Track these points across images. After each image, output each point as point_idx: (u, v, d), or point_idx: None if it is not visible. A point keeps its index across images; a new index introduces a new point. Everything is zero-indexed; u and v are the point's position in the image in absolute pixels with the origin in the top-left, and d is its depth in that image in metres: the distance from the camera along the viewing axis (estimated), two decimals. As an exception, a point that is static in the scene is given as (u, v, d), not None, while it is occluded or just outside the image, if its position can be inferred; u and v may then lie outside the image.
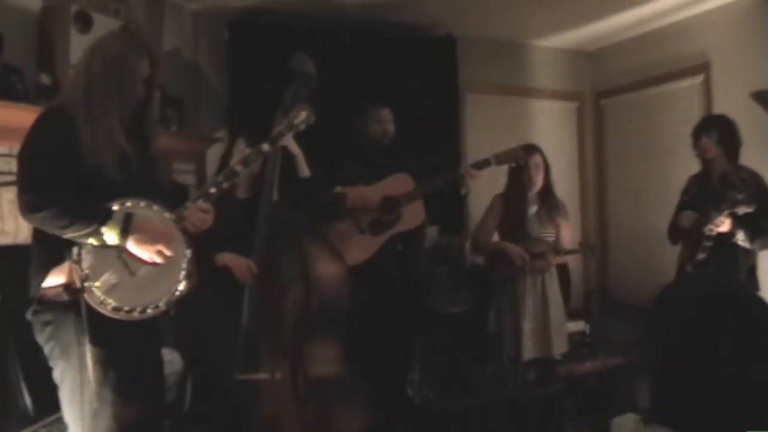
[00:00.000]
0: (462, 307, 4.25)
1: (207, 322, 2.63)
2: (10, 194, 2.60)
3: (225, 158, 2.90)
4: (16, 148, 2.03)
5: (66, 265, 1.83)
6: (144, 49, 2.05)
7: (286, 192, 2.80)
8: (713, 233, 3.09)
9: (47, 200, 1.81)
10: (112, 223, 1.83)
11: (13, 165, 2.21)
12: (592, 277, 5.34)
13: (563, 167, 4.81)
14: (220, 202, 2.14)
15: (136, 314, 1.86)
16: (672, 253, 3.54)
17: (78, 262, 1.81)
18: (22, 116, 2.41)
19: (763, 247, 3.21)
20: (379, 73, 4.27)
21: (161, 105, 3.53)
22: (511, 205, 3.54)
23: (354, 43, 4.33)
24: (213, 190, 2.10)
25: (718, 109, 4.10)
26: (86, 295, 1.80)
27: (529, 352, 3.41)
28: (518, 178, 3.52)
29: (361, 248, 3.26)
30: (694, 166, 3.52)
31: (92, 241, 1.82)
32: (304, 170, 2.91)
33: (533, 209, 3.53)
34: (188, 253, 1.99)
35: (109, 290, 1.83)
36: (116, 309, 1.83)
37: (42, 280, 1.87)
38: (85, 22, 3.00)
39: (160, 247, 1.90)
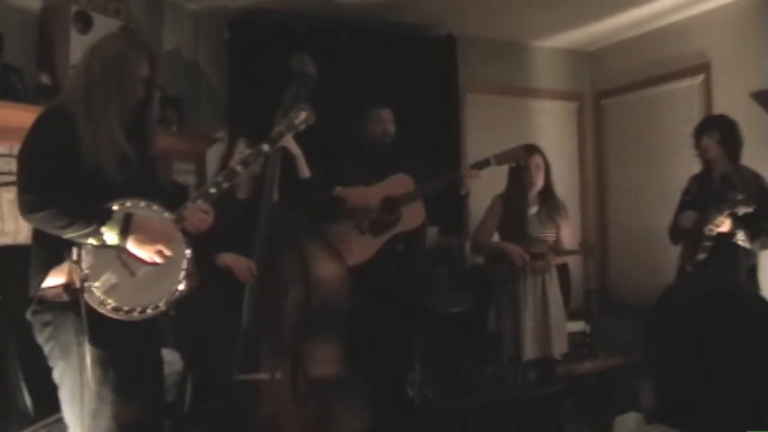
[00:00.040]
0: (462, 307, 4.25)
1: (207, 322, 2.63)
2: (10, 194, 2.60)
3: (226, 159, 2.90)
4: (16, 148, 2.03)
5: (66, 266, 1.83)
6: (144, 50, 2.06)
7: (287, 192, 2.80)
8: (713, 233, 3.09)
9: (47, 200, 1.81)
10: (112, 223, 1.83)
11: (13, 165, 2.21)
12: (592, 277, 5.33)
13: (563, 167, 4.80)
14: (220, 203, 2.14)
15: (135, 314, 1.86)
16: (672, 253, 3.54)
17: (78, 262, 1.81)
18: (22, 116, 2.41)
19: (764, 247, 3.21)
20: (379, 73, 4.27)
21: (161, 105, 3.53)
22: (512, 205, 3.54)
23: (354, 43, 4.33)
24: (213, 191, 2.10)
25: (718, 109, 4.10)
26: (86, 296, 1.80)
27: (529, 352, 3.41)
28: (518, 178, 3.52)
29: (361, 249, 3.26)
30: (695, 166, 3.52)
31: (92, 241, 1.82)
32: (305, 171, 2.91)
33: (533, 209, 3.53)
34: (188, 253, 1.99)
35: (109, 290, 1.83)
36: (116, 309, 1.83)
37: (42, 280, 1.87)
38: (85, 22, 3.00)
39: (159, 247, 1.90)
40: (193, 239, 2.03)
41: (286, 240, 2.68)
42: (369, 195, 3.31)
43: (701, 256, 3.13)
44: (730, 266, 3.14)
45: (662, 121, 4.71)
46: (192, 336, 2.73)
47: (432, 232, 4.39)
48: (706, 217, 3.13)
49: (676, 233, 3.43)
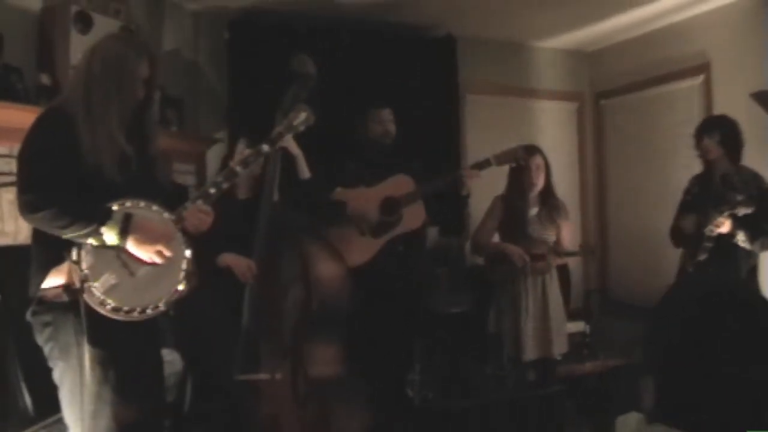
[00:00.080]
0: (462, 307, 4.25)
1: (207, 323, 2.63)
2: (10, 195, 2.60)
3: (226, 159, 2.90)
4: (16, 148, 2.03)
5: (65, 266, 1.83)
6: (144, 51, 2.06)
7: (287, 193, 2.80)
8: (714, 234, 3.09)
9: (46, 200, 1.81)
10: (112, 223, 1.83)
11: (13, 165, 2.21)
12: (592, 278, 5.34)
13: (563, 167, 4.81)
14: (220, 203, 2.14)
15: (135, 315, 1.86)
16: (672, 254, 3.54)
17: (77, 262, 1.81)
18: (22, 116, 2.41)
19: (764, 248, 3.21)
20: (379, 74, 4.28)
21: (161, 105, 3.53)
22: (512, 206, 3.54)
23: (354, 43, 4.33)
24: (212, 191, 2.10)
25: (718, 109, 4.10)
26: (86, 296, 1.80)
27: (529, 352, 3.40)
28: (519, 179, 3.52)
29: (361, 250, 3.26)
30: (695, 167, 3.52)
31: (92, 241, 1.82)
32: (305, 171, 2.91)
33: (534, 210, 3.52)
34: (188, 253, 1.99)
35: (109, 290, 1.83)
36: (116, 309, 1.83)
37: (41, 280, 1.87)
38: (85, 22, 3.00)
39: (159, 247, 1.90)
40: (193, 239, 2.03)
41: (286, 240, 2.68)
42: (369, 196, 3.31)
43: (702, 257, 3.13)
44: (731, 267, 3.14)
45: (662, 121, 4.71)
46: (192, 336, 2.73)
47: (432, 232, 4.40)
48: (706, 217, 3.13)
49: (678, 236, 3.43)
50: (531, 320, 3.41)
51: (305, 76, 2.73)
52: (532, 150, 3.51)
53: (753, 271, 3.27)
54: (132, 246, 1.87)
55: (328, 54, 3.71)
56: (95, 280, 1.82)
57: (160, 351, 2.19)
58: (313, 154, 2.93)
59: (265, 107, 2.84)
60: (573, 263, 4.24)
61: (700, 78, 4.41)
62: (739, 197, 3.03)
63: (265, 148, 2.34)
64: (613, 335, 4.67)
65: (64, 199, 1.82)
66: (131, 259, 1.89)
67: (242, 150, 2.74)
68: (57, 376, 1.93)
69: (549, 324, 3.44)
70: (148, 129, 2.12)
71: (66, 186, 1.84)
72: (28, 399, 2.51)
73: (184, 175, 3.92)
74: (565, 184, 4.66)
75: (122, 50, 2.01)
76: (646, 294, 4.17)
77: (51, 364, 1.94)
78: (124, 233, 1.84)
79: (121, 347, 1.89)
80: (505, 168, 3.51)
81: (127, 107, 2.00)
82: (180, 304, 1.97)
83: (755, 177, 3.23)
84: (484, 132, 4.88)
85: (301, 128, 2.49)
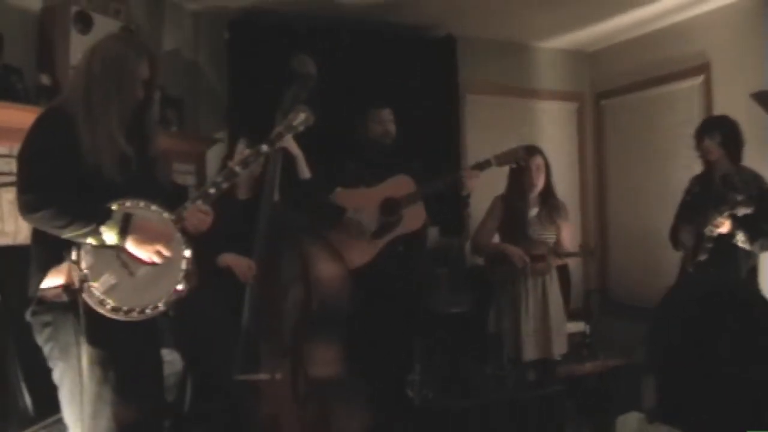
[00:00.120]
0: (462, 307, 4.25)
1: (207, 323, 2.63)
2: (10, 195, 2.59)
3: (226, 159, 2.90)
4: (16, 148, 2.03)
5: (65, 266, 1.83)
6: (144, 51, 2.06)
7: (287, 193, 2.80)
8: (713, 234, 3.09)
9: (46, 200, 1.81)
10: (111, 222, 1.83)
11: (13, 165, 2.21)
12: (592, 278, 5.33)
13: (563, 167, 4.81)
14: (220, 203, 2.14)
15: (135, 314, 1.86)
16: (672, 254, 3.54)
17: (77, 262, 1.81)
18: (22, 116, 2.41)
19: (763, 248, 3.21)
20: (379, 74, 4.27)
21: (161, 105, 3.53)
22: (512, 206, 3.54)
23: (354, 43, 4.33)
24: (212, 191, 2.10)
25: (718, 110, 4.10)
26: (85, 295, 1.80)
27: (529, 352, 3.41)
28: (519, 179, 3.52)
29: (362, 251, 3.26)
30: (695, 167, 3.52)
31: (91, 240, 1.82)
32: (305, 172, 2.90)
33: (534, 211, 3.52)
34: (187, 253, 1.99)
35: (108, 290, 1.83)
36: (115, 309, 1.83)
37: (41, 280, 1.87)
38: (85, 22, 3.00)
39: (158, 247, 1.90)
40: (193, 239, 2.03)
41: (286, 240, 2.68)
42: (369, 196, 3.31)
43: (702, 257, 3.13)
44: (731, 267, 3.14)
45: (662, 121, 4.70)
46: (192, 336, 2.73)
47: (432, 232, 4.39)
48: (706, 217, 3.13)
49: (677, 240, 3.43)
50: (531, 320, 3.41)
51: (305, 76, 2.73)
52: (532, 150, 3.51)
53: (753, 271, 3.27)
54: (131, 246, 1.87)
55: (328, 54, 3.71)
56: (95, 279, 1.82)
57: (159, 351, 2.19)
58: (313, 154, 2.92)
59: (265, 107, 2.84)
60: (573, 263, 4.24)
61: (700, 78, 4.41)
62: (739, 197, 3.03)
63: (265, 148, 2.34)
64: (613, 335, 4.67)
65: (64, 198, 1.82)
66: (131, 259, 1.89)
67: (242, 150, 2.74)
68: (57, 376, 1.93)
69: (549, 324, 3.44)
70: (148, 129, 2.12)
71: (66, 186, 1.85)
72: (28, 399, 2.51)
73: (184, 175, 3.91)
74: (565, 184, 4.66)
75: (122, 50, 2.01)
76: (646, 294, 4.17)
77: (51, 364, 1.94)
78: (123, 233, 1.84)
79: (121, 347, 1.89)
80: (505, 168, 3.51)
81: (127, 107, 2.00)
82: (180, 304, 1.97)
83: (756, 177, 3.23)
84: (484, 132, 4.88)
85: (301, 128, 2.49)
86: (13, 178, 2.11)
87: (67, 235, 1.81)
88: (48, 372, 1.94)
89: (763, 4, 3.95)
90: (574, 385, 3.90)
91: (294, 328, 2.61)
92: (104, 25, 3.02)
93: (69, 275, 1.82)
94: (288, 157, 2.81)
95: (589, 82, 5.48)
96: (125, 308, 1.84)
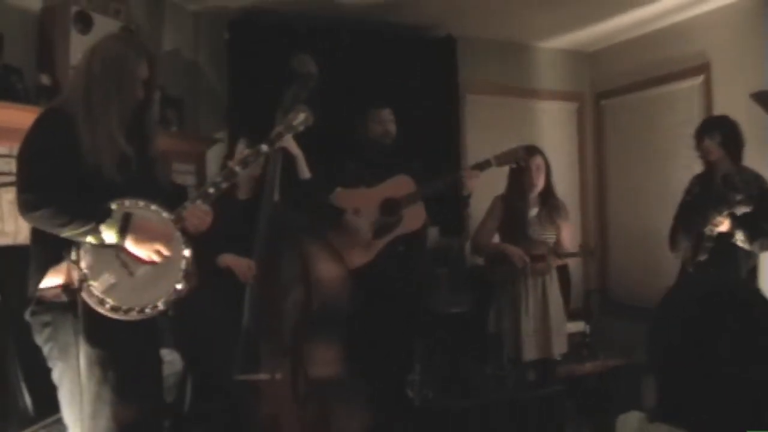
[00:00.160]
0: (462, 307, 4.25)
1: (207, 323, 2.63)
2: (10, 195, 2.59)
3: (226, 159, 2.90)
4: (16, 148, 2.03)
5: (64, 266, 1.83)
6: (143, 51, 2.06)
7: (287, 193, 2.80)
8: (713, 233, 3.09)
9: (45, 199, 1.81)
10: (111, 222, 1.83)
11: (13, 165, 2.21)
12: (592, 278, 5.33)
13: (563, 167, 4.81)
14: (220, 203, 2.14)
15: (134, 314, 1.86)
16: (671, 254, 3.54)
17: (76, 261, 1.81)
18: (22, 116, 2.41)
19: (763, 248, 3.21)
20: (379, 74, 4.27)
21: (161, 105, 3.53)
22: (512, 206, 3.54)
23: (354, 43, 4.33)
24: (211, 191, 2.10)
25: (718, 110, 4.10)
26: (84, 295, 1.80)
27: (529, 352, 3.41)
28: (519, 179, 3.52)
29: (362, 251, 3.26)
30: (695, 167, 3.52)
31: (90, 239, 1.82)
32: (305, 172, 2.90)
33: (534, 211, 3.52)
34: (187, 253, 1.99)
35: (108, 290, 1.83)
36: (114, 309, 1.83)
37: (40, 279, 1.87)
38: (85, 22, 3.00)
39: (158, 246, 1.90)
40: (193, 239, 2.03)
41: (286, 240, 2.68)
42: (369, 196, 3.31)
43: (702, 257, 3.13)
44: (731, 267, 3.14)
45: (662, 121, 4.71)
46: (192, 336, 2.73)
47: (432, 232, 4.39)
48: (706, 217, 3.13)
49: (676, 244, 3.42)
50: (531, 320, 3.41)
51: (305, 76, 2.73)
52: (532, 150, 3.51)
53: (753, 271, 3.27)
54: (131, 245, 1.87)
55: (328, 54, 3.70)
56: (94, 279, 1.82)
57: (159, 351, 2.19)
58: (313, 154, 2.92)
59: (265, 107, 2.84)
60: (573, 263, 4.24)
61: (700, 78, 4.41)
62: (738, 196, 3.03)
63: (264, 148, 2.34)
64: (613, 335, 4.67)
65: (64, 197, 1.82)
66: (130, 259, 1.89)
67: (242, 150, 2.74)
68: (56, 376, 1.93)
69: (549, 324, 3.44)
70: (147, 129, 2.12)
71: (65, 185, 1.85)
72: (28, 399, 2.51)
73: (184, 175, 3.91)
74: (565, 184, 4.66)
75: (122, 50, 2.01)
76: (646, 294, 4.17)
77: (50, 364, 1.94)
78: (123, 232, 1.84)
79: (121, 347, 1.89)
80: (505, 168, 3.51)
81: (127, 107, 2.00)
82: (180, 304, 1.97)
83: (757, 178, 3.22)
84: (484, 132, 4.88)
85: (301, 128, 2.49)
86: (13, 178, 2.11)
87: (67, 234, 1.81)
88: (48, 372, 1.94)
89: (763, 4, 3.95)
90: (574, 385, 3.90)
91: (294, 328, 2.61)
92: (104, 25, 3.02)
93: (68, 275, 1.82)
94: (288, 157, 2.81)
95: (589, 82, 5.48)
96: (125, 308, 1.84)
